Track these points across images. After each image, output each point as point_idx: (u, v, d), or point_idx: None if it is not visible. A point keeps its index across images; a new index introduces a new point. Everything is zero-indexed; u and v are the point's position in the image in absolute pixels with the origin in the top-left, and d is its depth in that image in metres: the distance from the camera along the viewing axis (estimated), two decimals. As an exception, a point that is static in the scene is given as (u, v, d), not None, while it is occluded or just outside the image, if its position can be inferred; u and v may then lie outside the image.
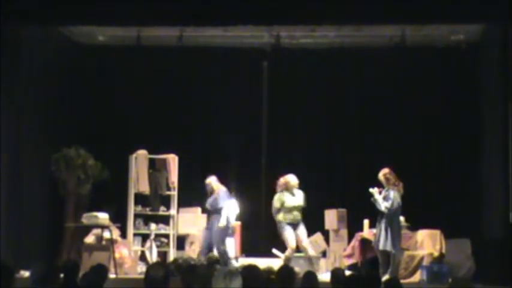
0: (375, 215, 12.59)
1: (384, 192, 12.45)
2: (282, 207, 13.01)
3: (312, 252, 13.13)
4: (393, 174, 12.49)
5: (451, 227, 13.50)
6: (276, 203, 13.07)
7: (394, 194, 12.34)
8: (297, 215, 13.02)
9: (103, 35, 14.73)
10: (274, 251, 13.81)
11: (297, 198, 13.06)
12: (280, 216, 13.02)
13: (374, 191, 12.42)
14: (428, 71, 14.91)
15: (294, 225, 13.00)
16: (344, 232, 14.01)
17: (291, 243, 13.01)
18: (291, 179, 13.12)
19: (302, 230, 13.04)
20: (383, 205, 12.33)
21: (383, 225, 12.36)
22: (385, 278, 11.15)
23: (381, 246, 12.35)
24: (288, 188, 13.08)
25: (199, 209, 14.64)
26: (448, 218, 13.86)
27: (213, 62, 15.06)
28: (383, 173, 12.49)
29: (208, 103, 15.37)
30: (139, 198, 14.53)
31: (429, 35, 14.31)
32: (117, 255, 12.96)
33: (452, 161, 14.64)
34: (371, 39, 14.56)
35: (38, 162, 13.84)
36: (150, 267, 6.41)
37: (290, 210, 12.99)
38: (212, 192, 13.51)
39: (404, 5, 12.08)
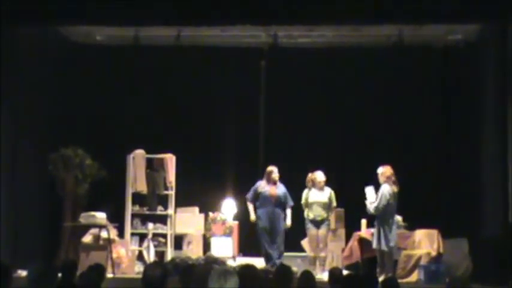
0: (372, 214, 12.62)
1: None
2: (306, 203, 13.07)
3: (322, 254, 13.12)
4: (388, 172, 12.51)
5: (448, 226, 13.51)
6: (302, 198, 13.14)
7: (383, 192, 12.37)
8: (320, 211, 13.04)
9: (101, 35, 14.71)
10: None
11: (322, 195, 13.09)
12: (304, 213, 13.15)
13: (368, 190, 12.50)
14: (426, 70, 14.92)
15: (317, 223, 13.03)
16: (342, 232, 14.01)
17: (309, 244, 13.07)
18: (317, 175, 13.17)
19: (322, 229, 13.07)
20: (371, 207, 12.40)
21: (376, 225, 12.45)
22: (382, 277, 11.18)
23: (374, 245, 12.43)
24: (314, 185, 13.12)
25: (196, 209, 14.64)
26: (446, 218, 13.87)
27: (211, 62, 15.05)
28: (381, 171, 12.52)
29: (206, 102, 15.36)
30: (137, 198, 14.53)
31: (427, 35, 14.29)
32: (114, 254, 12.96)
33: (450, 161, 14.64)
34: (369, 39, 14.55)
35: (36, 161, 13.83)
36: (148, 267, 6.41)
37: (312, 206, 13.02)
38: (275, 182, 13.27)
39: (402, 5, 12.08)
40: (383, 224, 12.42)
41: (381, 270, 12.29)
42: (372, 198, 12.46)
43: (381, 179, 12.52)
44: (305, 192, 13.19)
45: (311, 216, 13.06)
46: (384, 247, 12.37)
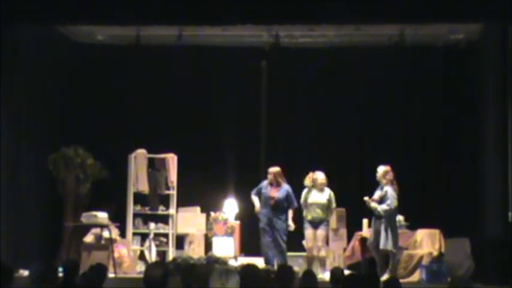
0: (373, 214, 12.61)
1: (379, 192, 12.44)
2: (305, 204, 13.03)
3: (322, 253, 13.10)
4: (391, 173, 12.51)
5: (450, 226, 13.50)
6: (302, 198, 13.09)
7: (392, 193, 12.34)
8: (318, 213, 12.99)
9: (102, 35, 14.72)
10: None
11: (321, 196, 13.02)
12: (303, 213, 13.07)
13: (367, 199, 12.43)
14: (428, 70, 14.91)
15: (316, 224, 12.98)
16: (343, 231, 14.01)
17: (306, 245, 13.03)
18: (319, 175, 13.08)
19: (321, 230, 13.01)
20: (381, 209, 12.34)
21: (383, 225, 12.37)
22: (384, 277, 11.17)
23: (382, 246, 12.34)
24: (315, 185, 13.07)
25: (198, 209, 14.64)
26: (447, 217, 13.86)
27: (212, 61, 15.04)
28: (384, 171, 12.48)
29: (207, 102, 15.36)
30: (139, 198, 14.53)
31: (428, 34, 14.29)
32: (116, 254, 12.97)
33: (452, 161, 14.63)
34: (370, 39, 14.54)
35: (37, 161, 13.83)
36: (149, 267, 6.41)
37: (311, 207, 12.98)
38: (278, 184, 13.20)
39: (404, 4, 12.07)
40: (390, 225, 12.38)
41: (381, 270, 12.25)
42: (377, 205, 12.40)
43: (383, 181, 12.47)
44: (305, 192, 13.15)
45: (309, 217, 13.01)
46: (390, 247, 12.33)
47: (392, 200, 12.32)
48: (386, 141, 14.79)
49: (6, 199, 12.73)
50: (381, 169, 12.54)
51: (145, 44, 14.47)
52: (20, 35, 13.19)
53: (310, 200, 13.01)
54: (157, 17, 12.61)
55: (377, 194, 12.48)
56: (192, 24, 13.35)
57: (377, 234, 12.44)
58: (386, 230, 12.36)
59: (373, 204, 12.41)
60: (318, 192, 13.04)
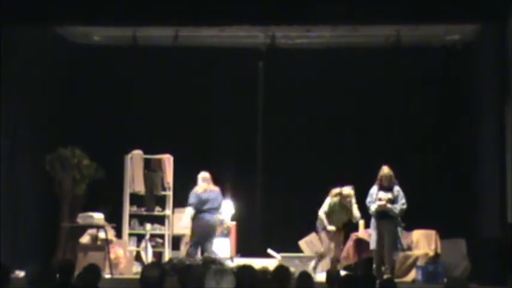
0: (369, 215, 12.60)
1: (388, 193, 12.39)
2: (327, 219, 12.96)
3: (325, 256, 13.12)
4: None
5: (446, 227, 13.51)
6: (321, 216, 12.98)
7: (403, 193, 12.41)
8: (340, 223, 13.03)
9: (99, 35, 14.72)
10: (270, 251, 13.83)
11: (344, 214, 12.99)
12: (323, 216, 13.00)
13: (384, 204, 12.37)
14: (424, 71, 14.91)
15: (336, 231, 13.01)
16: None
17: (325, 244, 13.01)
18: (346, 192, 12.98)
19: (340, 236, 13.07)
20: (399, 209, 12.33)
21: (398, 225, 12.37)
22: (385, 277, 11.18)
23: (400, 245, 12.37)
24: (341, 200, 12.97)
25: (194, 209, 14.63)
26: (443, 218, 13.86)
27: (209, 62, 15.04)
28: (388, 170, 12.48)
29: (204, 103, 15.35)
30: (135, 199, 14.53)
31: (425, 35, 14.30)
32: (112, 255, 12.96)
33: (449, 161, 14.64)
34: (367, 40, 14.55)
35: (34, 162, 13.82)
36: (146, 268, 6.42)
37: (334, 219, 12.98)
38: None
39: (400, 5, 12.08)
40: (400, 224, 12.43)
41: (380, 270, 12.24)
42: (392, 205, 12.41)
43: (393, 180, 12.46)
44: (328, 210, 13.00)
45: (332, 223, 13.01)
46: (403, 246, 12.40)
47: (404, 199, 12.37)
48: (384, 142, 14.79)
49: (3, 199, 12.71)
50: (387, 170, 12.50)
51: (141, 44, 14.47)
52: (19, 35, 13.17)
53: (334, 218, 12.97)
54: (153, 18, 12.62)
55: (388, 195, 12.40)
56: (188, 25, 13.35)
57: (388, 235, 12.36)
58: (402, 230, 12.42)
59: (389, 205, 12.38)
60: (342, 209, 12.99)
